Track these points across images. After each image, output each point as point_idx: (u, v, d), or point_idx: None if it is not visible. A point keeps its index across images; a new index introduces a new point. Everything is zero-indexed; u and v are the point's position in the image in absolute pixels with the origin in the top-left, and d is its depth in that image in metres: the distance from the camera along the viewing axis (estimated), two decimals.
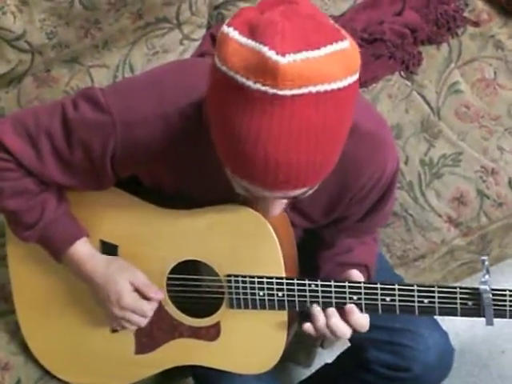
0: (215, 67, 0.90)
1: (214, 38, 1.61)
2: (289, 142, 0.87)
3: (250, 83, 0.86)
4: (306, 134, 0.87)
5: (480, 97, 1.63)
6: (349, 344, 1.40)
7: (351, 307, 1.12)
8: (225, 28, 0.89)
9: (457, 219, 1.55)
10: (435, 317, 1.27)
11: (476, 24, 1.70)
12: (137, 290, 1.18)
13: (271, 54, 0.85)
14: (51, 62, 1.49)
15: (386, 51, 1.66)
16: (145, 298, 1.18)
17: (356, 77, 0.90)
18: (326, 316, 1.12)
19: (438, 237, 1.54)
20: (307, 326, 1.13)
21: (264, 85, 0.85)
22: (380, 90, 1.63)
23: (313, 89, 0.86)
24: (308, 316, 1.15)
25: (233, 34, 0.88)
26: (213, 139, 0.94)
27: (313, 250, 1.25)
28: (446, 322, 1.34)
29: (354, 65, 0.89)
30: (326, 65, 0.86)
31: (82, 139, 1.08)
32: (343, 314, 1.12)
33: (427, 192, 1.55)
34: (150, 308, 1.18)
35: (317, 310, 1.13)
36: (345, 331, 1.12)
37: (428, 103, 1.62)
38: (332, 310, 1.12)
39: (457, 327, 1.70)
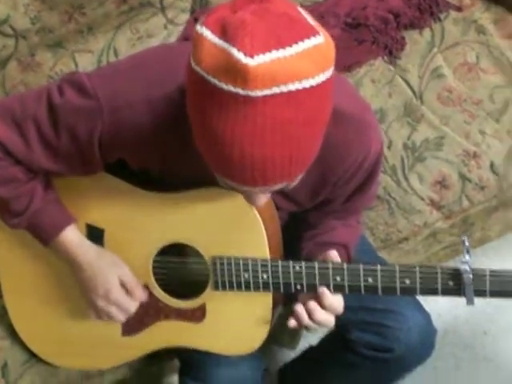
0: (190, 67, 0.91)
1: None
2: (263, 141, 0.89)
3: (222, 85, 0.87)
4: (279, 132, 0.89)
5: (462, 81, 1.64)
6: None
7: (322, 290, 1.14)
8: (199, 27, 0.90)
9: (439, 202, 1.57)
10: (418, 298, 1.30)
11: (459, 9, 1.71)
12: (124, 287, 1.19)
13: (240, 55, 0.86)
14: (35, 47, 1.50)
15: (370, 36, 1.67)
16: (130, 295, 1.20)
17: (330, 72, 0.90)
18: (309, 312, 1.14)
19: (421, 219, 1.56)
20: (293, 323, 1.16)
21: (235, 86, 0.86)
22: (363, 75, 1.65)
23: (284, 88, 0.87)
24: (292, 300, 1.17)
25: (206, 33, 0.89)
26: (194, 137, 0.95)
27: (297, 232, 1.26)
28: (429, 303, 1.36)
29: (327, 60, 0.90)
30: (296, 63, 0.87)
31: (68, 125, 1.09)
32: (317, 297, 1.14)
33: (410, 176, 1.57)
34: (133, 306, 1.20)
35: (299, 307, 1.15)
36: (329, 321, 1.15)
37: (411, 87, 1.64)
38: (313, 304, 1.14)
39: (439, 308, 1.73)
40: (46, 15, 1.44)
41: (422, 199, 1.56)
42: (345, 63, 1.63)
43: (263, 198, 1.03)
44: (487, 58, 1.67)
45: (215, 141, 0.90)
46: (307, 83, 0.88)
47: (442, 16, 1.71)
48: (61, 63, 1.53)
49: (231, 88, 0.87)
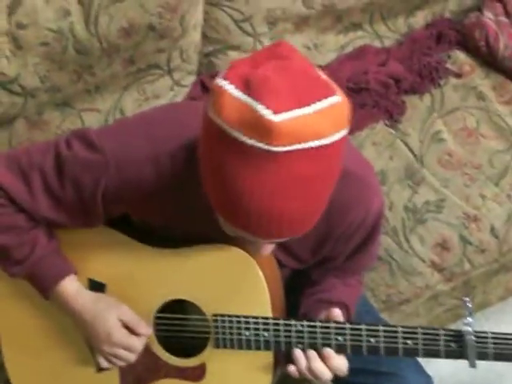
0: (208, 118, 0.92)
1: (203, 85, 1.65)
2: (282, 196, 0.91)
3: (245, 138, 0.89)
4: (299, 186, 0.91)
5: (462, 145, 1.67)
6: None
7: (329, 352, 1.13)
8: (220, 81, 0.92)
9: (440, 264, 1.57)
10: (420, 360, 1.29)
11: (458, 75, 1.75)
12: (126, 326, 1.18)
13: (266, 112, 0.88)
14: (43, 106, 1.52)
15: (371, 100, 1.70)
16: (134, 333, 1.18)
17: (345, 131, 0.93)
18: (308, 359, 1.14)
19: (422, 281, 1.56)
20: (292, 369, 1.14)
21: (259, 141, 0.88)
22: (365, 138, 1.67)
23: (304, 145, 0.89)
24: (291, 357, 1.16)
25: (228, 87, 0.91)
26: (204, 188, 0.96)
27: (297, 287, 1.26)
28: (431, 366, 1.34)
29: (342, 119, 0.92)
30: (316, 122, 0.89)
31: (74, 177, 1.10)
32: (322, 358, 1.13)
33: (411, 237, 1.57)
34: (139, 343, 1.19)
35: (298, 353, 1.14)
36: (326, 374, 1.14)
37: (412, 151, 1.66)
38: (313, 353, 1.13)
39: (441, 371, 1.70)
40: (55, 75, 1.46)
41: (423, 261, 1.56)
42: None
43: (269, 248, 1.04)
44: (487, 124, 1.70)
45: (232, 192, 0.91)
46: (324, 141, 0.90)
47: (441, 82, 1.74)
48: (68, 122, 1.55)
49: (254, 142, 0.88)
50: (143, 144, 1.08)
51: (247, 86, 0.90)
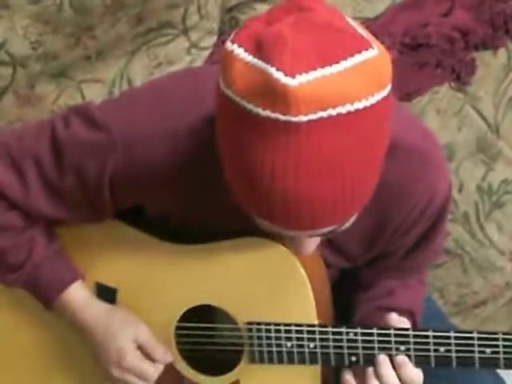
0: (220, 91, 0.93)
1: None
2: (309, 175, 0.89)
3: (258, 110, 0.88)
4: (328, 163, 0.89)
5: None
6: None
7: (403, 358, 1.13)
8: (229, 45, 0.92)
9: None
10: (501, 373, 1.28)
11: None
12: (141, 349, 1.19)
13: (279, 75, 0.87)
14: (35, 77, 1.54)
15: (433, 59, 1.69)
16: (150, 358, 1.20)
17: (387, 91, 0.91)
18: (376, 364, 1.13)
19: (502, 278, 1.56)
20: (349, 378, 1.14)
21: (274, 111, 0.88)
22: (426, 105, 1.66)
23: (332, 112, 0.87)
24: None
25: (237, 51, 0.90)
26: (225, 172, 0.96)
27: (346, 291, 1.26)
28: None
29: (382, 77, 0.91)
30: (345, 82, 0.88)
31: (74, 162, 1.11)
32: (393, 367, 1.13)
33: (486, 225, 1.57)
34: (154, 371, 1.20)
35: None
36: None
37: (485, 119, 1.65)
38: (383, 357, 1.13)
39: None
40: (48, 39, 1.48)
41: (503, 253, 1.56)
42: (404, 91, 1.65)
43: (310, 245, 1.03)
44: None
45: (252, 176, 0.91)
46: (359, 104, 0.88)
47: None
48: (65, 96, 1.57)
49: (269, 113, 0.88)
50: (155, 119, 1.08)
51: (258, 48, 0.89)
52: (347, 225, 1.00)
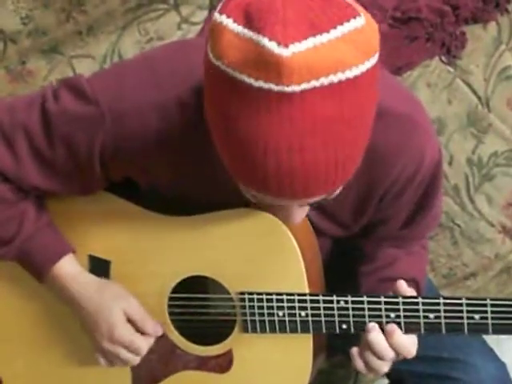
0: (209, 63, 0.93)
1: None
2: (303, 145, 0.90)
3: (251, 80, 0.89)
4: (322, 132, 0.90)
5: None
6: (386, 381, 1.43)
7: (392, 326, 1.14)
8: (217, 16, 0.92)
9: None
10: (491, 344, 1.30)
11: None
12: (131, 322, 1.21)
13: (272, 45, 0.87)
14: (26, 53, 1.54)
15: (423, 32, 1.69)
16: (140, 331, 1.21)
17: (374, 59, 0.92)
18: (366, 331, 1.14)
19: (491, 250, 1.57)
20: (355, 352, 1.15)
21: (267, 82, 0.88)
22: (417, 78, 1.67)
23: (324, 80, 0.88)
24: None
25: (226, 22, 0.91)
26: (215, 145, 0.97)
27: (352, 267, 1.27)
28: (505, 355, 1.35)
29: (371, 45, 0.92)
30: (337, 50, 0.89)
31: (64, 134, 1.12)
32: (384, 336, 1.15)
33: (476, 197, 1.58)
34: (145, 344, 1.21)
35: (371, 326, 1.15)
36: (388, 354, 1.14)
37: (475, 92, 1.66)
38: (373, 325, 1.14)
39: None
40: (39, 14, 1.48)
41: (492, 225, 1.57)
42: (394, 64, 1.66)
43: (301, 213, 1.04)
44: None
45: (245, 148, 0.92)
46: (351, 73, 0.90)
47: (509, 7, 1.73)
48: (57, 71, 1.57)
49: (262, 84, 0.88)
50: (144, 89, 1.09)
51: (249, 18, 0.90)
52: (337, 192, 1.01)
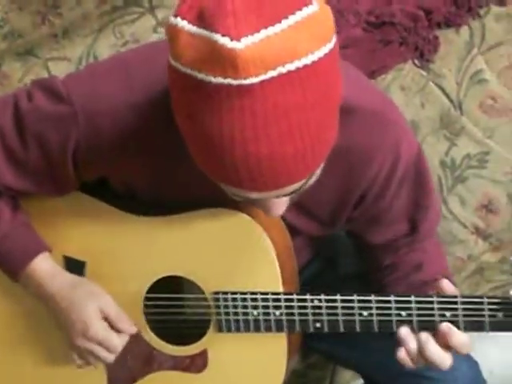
0: (170, 65, 0.94)
1: None
2: (268, 135, 0.91)
3: (210, 78, 0.90)
4: (285, 121, 0.91)
5: (508, 87, 1.68)
6: (361, 381, 1.44)
7: (447, 327, 1.13)
8: (172, 19, 0.93)
9: (485, 230, 1.59)
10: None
11: (501, 2, 1.76)
12: (106, 320, 1.22)
13: (225, 40, 0.89)
14: (2, 55, 1.54)
15: (397, 36, 1.71)
16: (115, 329, 1.22)
17: (332, 44, 0.94)
18: (419, 342, 1.14)
19: (464, 251, 1.59)
20: (402, 354, 1.14)
21: (225, 77, 0.89)
22: (391, 82, 1.69)
23: (282, 69, 0.90)
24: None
25: (181, 24, 0.92)
26: (186, 144, 0.98)
27: (375, 280, 1.29)
28: (478, 357, 1.37)
29: (326, 30, 0.93)
30: (291, 39, 0.90)
31: (37, 134, 1.13)
32: (439, 338, 1.14)
33: (449, 198, 1.60)
34: (119, 342, 1.22)
35: (405, 331, 1.15)
36: (446, 361, 1.14)
37: (447, 96, 1.68)
38: (425, 335, 1.13)
39: (491, 364, 1.71)
40: (14, 17, 1.49)
41: (465, 226, 1.59)
42: (368, 68, 1.67)
43: (280, 207, 1.04)
44: None
45: (211, 144, 0.93)
46: (307, 59, 0.91)
47: (481, 12, 1.75)
48: (32, 74, 1.58)
49: (221, 80, 0.90)
50: (118, 90, 1.10)
51: (201, 17, 0.91)
52: (311, 182, 1.02)
